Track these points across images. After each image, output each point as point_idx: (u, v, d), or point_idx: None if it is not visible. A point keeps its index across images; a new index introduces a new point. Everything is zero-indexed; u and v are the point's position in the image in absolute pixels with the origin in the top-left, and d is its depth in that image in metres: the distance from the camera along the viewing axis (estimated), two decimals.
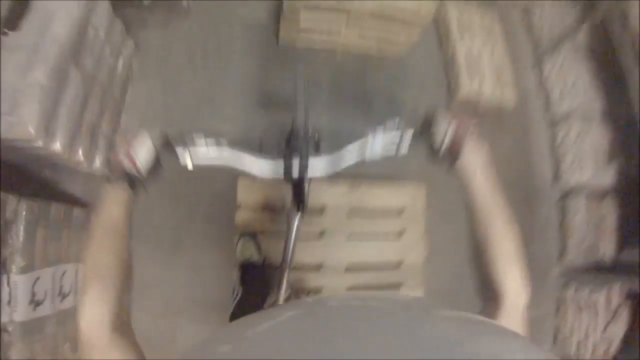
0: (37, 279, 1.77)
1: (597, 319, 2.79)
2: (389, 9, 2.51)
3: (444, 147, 0.85)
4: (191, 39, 2.77)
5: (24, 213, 1.70)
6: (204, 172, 0.95)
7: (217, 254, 2.36)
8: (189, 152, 0.94)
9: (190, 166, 0.95)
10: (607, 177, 3.18)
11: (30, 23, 1.80)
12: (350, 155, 0.96)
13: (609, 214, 3.09)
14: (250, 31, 2.87)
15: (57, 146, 1.82)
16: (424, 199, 2.51)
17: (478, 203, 0.81)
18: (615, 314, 2.82)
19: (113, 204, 0.79)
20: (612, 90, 3.41)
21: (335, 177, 1.03)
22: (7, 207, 1.64)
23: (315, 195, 2.10)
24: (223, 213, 2.33)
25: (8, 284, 1.64)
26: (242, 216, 2.20)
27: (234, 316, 1.68)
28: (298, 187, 1.04)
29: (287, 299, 1.31)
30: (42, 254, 1.80)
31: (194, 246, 2.41)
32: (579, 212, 3.07)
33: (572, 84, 3.30)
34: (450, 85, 3.23)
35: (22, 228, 1.69)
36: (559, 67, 3.41)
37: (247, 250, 2.13)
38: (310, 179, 1.01)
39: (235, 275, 2.05)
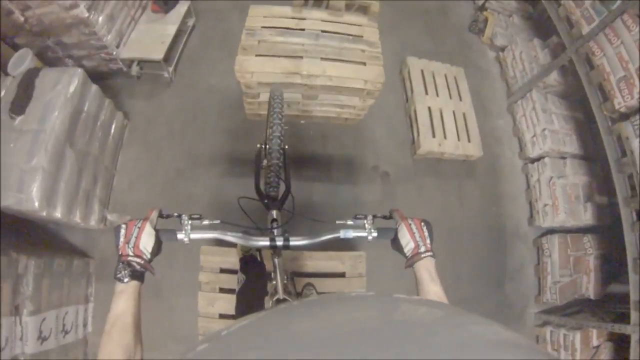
0: (44, 319, 2.26)
1: (576, 357, 2.93)
2: (338, 82, 2.72)
3: (407, 254, 1.14)
4: (172, 109, 3.21)
5: (32, 268, 2.20)
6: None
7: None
8: (186, 231, 1.11)
9: (187, 241, 1.11)
10: (584, 217, 3.33)
11: (32, 111, 2.31)
12: (325, 235, 1.22)
13: (588, 252, 3.23)
14: (223, 104, 3.26)
15: (57, 214, 2.34)
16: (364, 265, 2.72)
17: (425, 294, 1.06)
18: (595, 354, 2.93)
19: (120, 299, 0.94)
20: (584, 132, 3.59)
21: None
22: (18, 264, 2.15)
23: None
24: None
25: (20, 323, 2.14)
26: (204, 277, 2.58)
27: (238, 300, 1.91)
28: (280, 251, 1.36)
29: (285, 285, 1.50)
30: (47, 299, 2.29)
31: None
32: (554, 253, 3.21)
33: (543, 128, 3.44)
34: (413, 141, 3.41)
35: (31, 280, 2.18)
36: (530, 112, 3.58)
37: (245, 247, 2.37)
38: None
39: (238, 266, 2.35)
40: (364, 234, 1.19)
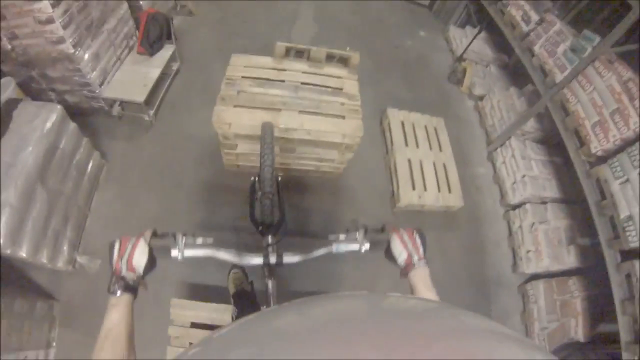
0: None
1: None
2: (315, 136, 2.72)
3: (400, 264, 1.15)
4: (151, 154, 3.22)
5: None
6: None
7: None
8: (180, 248, 1.14)
9: (180, 258, 1.13)
10: (567, 260, 3.31)
11: (6, 143, 2.27)
12: (317, 252, 1.25)
13: (575, 295, 3.19)
14: (202, 152, 3.27)
15: (22, 253, 2.25)
16: None
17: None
18: None
19: (114, 312, 0.96)
20: (563, 175, 3.67)
21: None
22: None
23: None
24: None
25: None
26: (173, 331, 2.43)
27: None
28: (274, 271, 1.35)
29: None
30: (6, 341, 2.15)
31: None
32: (540, 299, 3.17)
33: (523, 175, 3.52)
34: (393, 194, 3.44)
35: None
36: (509, 159, 3.68)
37: (237, 280, 2.41)
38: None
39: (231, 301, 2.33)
40: (356, 247, 1.21)
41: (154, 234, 1.15)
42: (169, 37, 3.47)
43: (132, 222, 2.86)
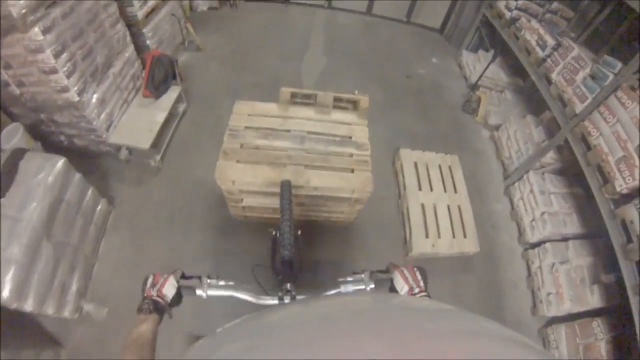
0: None
1: None
2: (323, 192, 2.68)
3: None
4: (159, 199, 3.26)
5: None
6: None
7: None
8: (204, 288, 1.32)
9: (204, 297, 1.32)
10: (591, 300, 3.18)
11: (13, 196, 2.33)
12: (328, 292, 1.40)
13: (599, 337, 3.05)
14: (210, 198, 3.29)
15: (28, 307, 2.29)
16: None
17: None
18: None
19: (143, 325, 1.09)
20: (584, 208, 3.56)
21: None
22: None
23: None
24: None
25: None
26: None
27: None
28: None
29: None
30: None
31: None
32: (561, 344, 3.06)
33: (542, 212, 3.45)
34: (405, 241, 3.36)
35: None
36: (527, 195, 3.60)
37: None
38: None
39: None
40: (362, 287, 1.37)
41: (182, 276, 1.34)
42: (175, 78, 3.53)
43: (141, 268, 2.87)
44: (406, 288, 1.26)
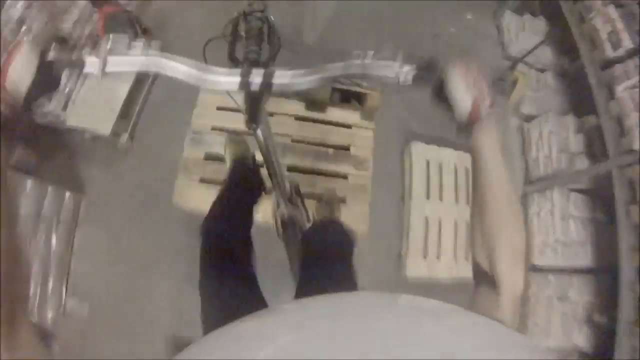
0: None
1: None
2: None
3: (460, 113, 0.79)
4: (132, 184, 2.88)
5: None
6: None
7: None
8: (101, 54, 0.80)
9: (96, 72, 0.81)
10: (575, 340, 3.01)
11: None
12: (332, 70, 0.87)
13: None
14: None
15: None
16: None
17: (487, 186, 0.78)
18: None
19: None
20: (602, 238, 3.20)
21: None
22: None
23: None
24: None
25: None
26: None
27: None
28: (255, 101, 0.95)
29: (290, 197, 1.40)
30: None
31: None
32: None
33: (556, 239, 3.15)
34: (401, 259, 3.04)
35: None
36: (545, 214, 3.24)
37: (235, 146, 2.03)
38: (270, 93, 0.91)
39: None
40: (392, 73, 0.83)
41: (62, 39, 0.85)
42: (137, 37, 2.79)
43: (120, 258, 2.67)
44: (470, 99, 0.76)
